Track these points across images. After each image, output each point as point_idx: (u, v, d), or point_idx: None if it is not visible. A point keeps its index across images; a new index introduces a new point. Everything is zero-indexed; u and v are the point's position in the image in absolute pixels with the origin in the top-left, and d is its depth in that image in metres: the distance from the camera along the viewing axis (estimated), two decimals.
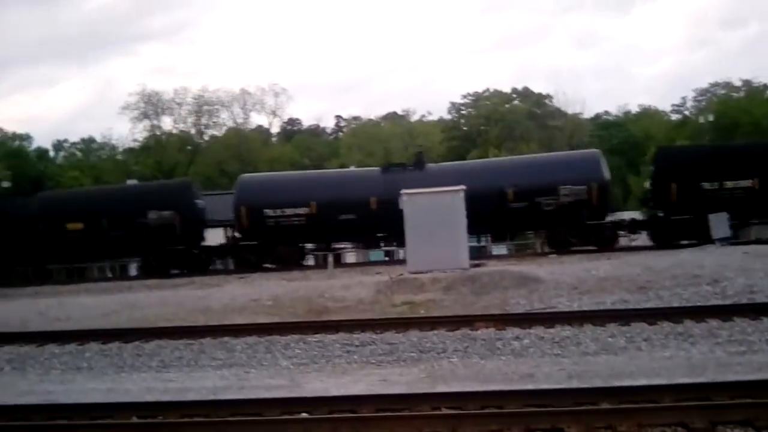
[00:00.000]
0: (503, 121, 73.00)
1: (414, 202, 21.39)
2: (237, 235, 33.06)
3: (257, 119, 77.50)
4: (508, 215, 30.50)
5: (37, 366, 13.08)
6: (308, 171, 40.25)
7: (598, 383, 8.94)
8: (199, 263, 31.75)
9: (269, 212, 31.26)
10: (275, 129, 79.49)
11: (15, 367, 13.14)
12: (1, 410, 8.77)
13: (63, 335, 15.02)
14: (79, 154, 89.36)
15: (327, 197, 30.95)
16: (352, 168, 46.36)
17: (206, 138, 73.02)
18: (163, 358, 12.86)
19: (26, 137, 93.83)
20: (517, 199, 30.23)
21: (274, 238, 31.17)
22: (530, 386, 8.99)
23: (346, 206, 30.71)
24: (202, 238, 33.13)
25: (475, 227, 23.47)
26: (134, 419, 7.90)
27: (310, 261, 33.88)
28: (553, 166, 31.94)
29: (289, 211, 31.26)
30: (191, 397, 9.41)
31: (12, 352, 14.02)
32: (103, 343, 13.94)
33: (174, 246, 31.45)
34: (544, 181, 30.20)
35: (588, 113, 76.79)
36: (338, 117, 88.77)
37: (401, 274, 20.10)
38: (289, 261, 30.83)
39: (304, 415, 7.88)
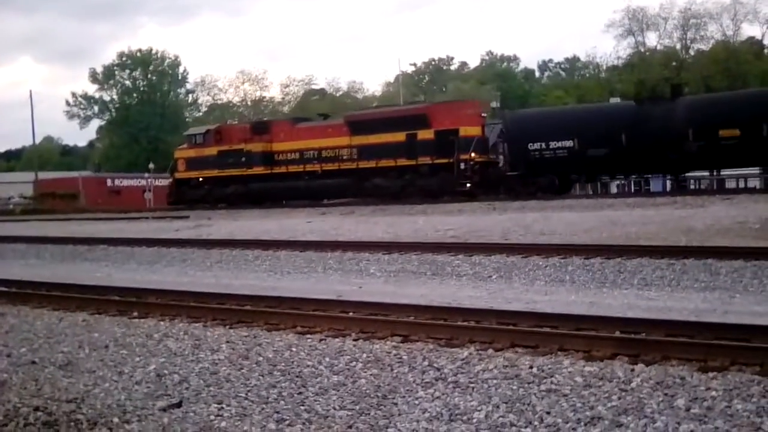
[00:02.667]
0: None
1: None
2: None
3: (749, 30, 71.98)
4: None
5: (522, 276, 13.77)
6: None
7: None
8: None
9: None
10: None
11: (501, 276, 13.98)
12: (494, 314, 9.43)
13: (546, 248, 15.63)
14: (562, 73, 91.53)
15: None
16: None
17: (692, 53, 70.14)
18: (645, 276, 12.78)
19: (513, 59, 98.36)
20: None
21: None
22: None
23: None
24: None
25: None
26: (617, 334, 7.96)
27: None
28: None
29: None
30: (673, 316, 9.25)
31: (499, 261, 14.90)
32: (585, 258, 14.22)
33: None
34: None
35: None
36: None
37: None
38: None
39: None
